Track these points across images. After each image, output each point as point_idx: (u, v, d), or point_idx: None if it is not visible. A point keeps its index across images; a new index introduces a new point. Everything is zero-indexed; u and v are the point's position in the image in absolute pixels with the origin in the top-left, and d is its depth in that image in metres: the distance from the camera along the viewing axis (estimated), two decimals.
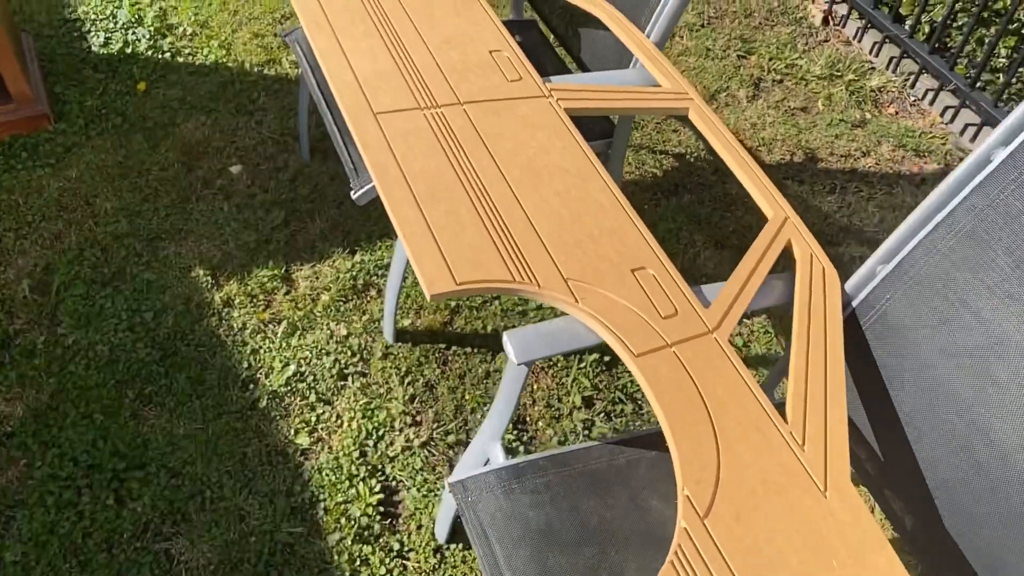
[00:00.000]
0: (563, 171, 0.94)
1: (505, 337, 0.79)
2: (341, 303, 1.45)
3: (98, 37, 1.85)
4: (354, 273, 1.49)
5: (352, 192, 1.15)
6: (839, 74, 2.17)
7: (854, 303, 0.88)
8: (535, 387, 1.39)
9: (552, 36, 1.50)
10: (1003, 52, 1.95)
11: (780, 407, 0.85)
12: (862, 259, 1.77)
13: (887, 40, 2.16)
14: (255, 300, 1.43)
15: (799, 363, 0.81)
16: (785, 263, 0.92)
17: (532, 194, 0.90)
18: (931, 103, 2.06)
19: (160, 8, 1.97)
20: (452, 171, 0.90)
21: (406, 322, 1.44)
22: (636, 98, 1.07)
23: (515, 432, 1.32)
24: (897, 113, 2.10)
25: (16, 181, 1.55)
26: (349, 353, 1.38)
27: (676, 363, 0.78)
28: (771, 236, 0.92)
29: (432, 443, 1.29)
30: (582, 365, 1.41)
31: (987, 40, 1.98)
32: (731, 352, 0.80)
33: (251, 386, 1.32)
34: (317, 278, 1.48)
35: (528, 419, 1.35)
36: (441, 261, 0.80)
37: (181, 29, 1.92)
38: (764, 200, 0.96)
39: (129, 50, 1.84)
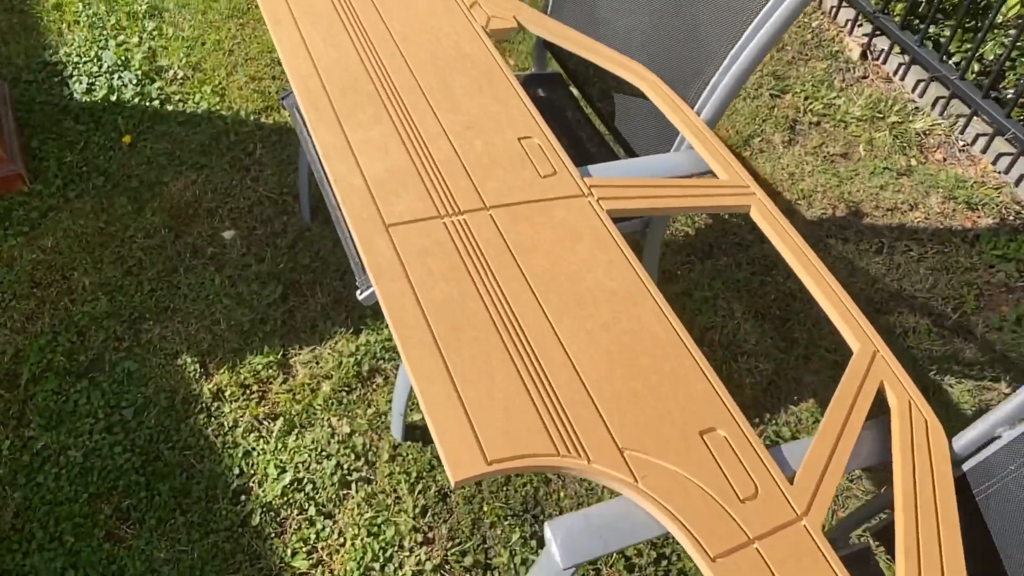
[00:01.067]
0: (610, 294, 0.79)
1: (548, 531, 0.64)
2: (344, 394, 1.30)
3: (80, 83, 1.70)
4: (358, 358, 1.34)
5: (358, 292, 1.00)
6: (881, 115, 2.01)
7: (966, 467, 0.73)
8: (562, 494, 1.23)
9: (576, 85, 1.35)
10: None
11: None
12: (915, 331, 1.63)
13: (934, 79, 2.00)
14: (248, 392, 1.28)
15: (910, 550, 0.66)
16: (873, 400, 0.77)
17: (576, 329, 0.75)
18: (983, 150, 1.91)
19: (149, 48, 1.82)
20: (479, 300, 0.75)
21: (416, 416, 1.29)
22: (689, 195, 0.91)
23: None
24: (945, 160, 1.94)
25: None
26: (352, 456, 1.23)
27: (761, 566, 0.63)
28: (859, 378, 0.76)
29: (447, 566, 1.14)
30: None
31: None
32: (826, 547, 0.65)
33: (242, 497, 1.17)
34: (317, 363, 1.33)
35: None
36: (468, 432, 0.65)
37: (171, 72, 1.78)
38: (848, 328, 0.81)
39: (114, 97, 1.69)
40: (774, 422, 1.39)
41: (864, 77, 2.15)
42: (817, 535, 0.66)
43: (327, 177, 0.84)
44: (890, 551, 0.73)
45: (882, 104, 2.04)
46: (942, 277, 1.67)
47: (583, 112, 1.35)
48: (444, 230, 0.81)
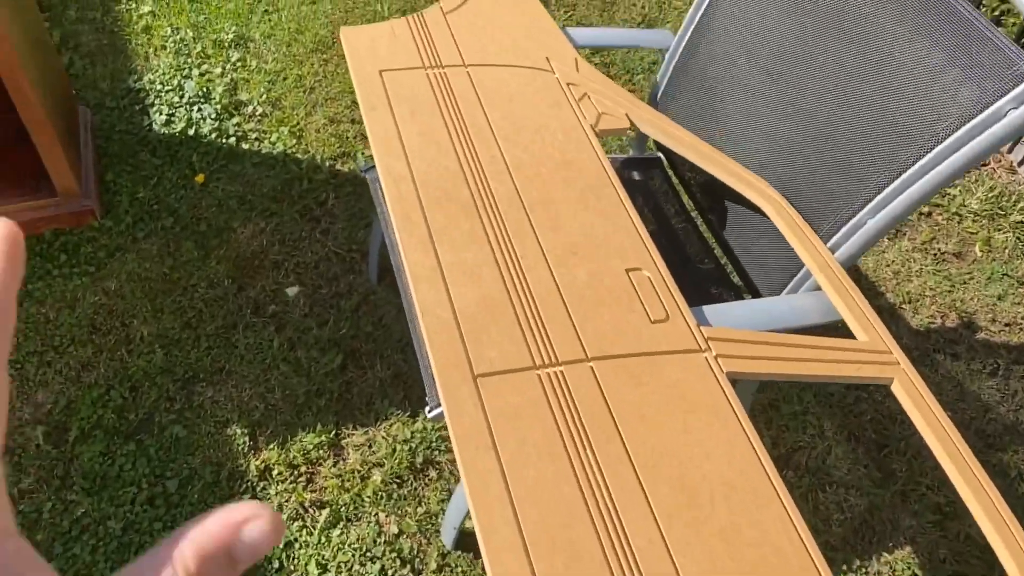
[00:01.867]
0: (729, 489, 0.67)
1: None
2: (395, 487, 1.21)
3: (161, 113, 1.68)
4: (413, 446, 1.25)
5: (428, 410, 0.91)
6: (1003, 212, 1.81)
7: None
8: None
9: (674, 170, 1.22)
10: None
11: None
12: None
13: None
14: (296, 472, 1.21)
15: None
16: None
17: (690, 536, 0.63)
18: None
19: (231, 80, 1.79)
20: (575, 485, 0.65)
21: (469, 523, 1.19)
22: (823, 359, 0.79)
23: None
24: None
25: (50, 291, 1.38)
26: (399, 561, 1.14)
27: None
28: None
29: None
30: None
31: None
32: None
33: None
34: (370, 448, 1.25)
35: None
36: None
37: (251, 108, 1.74)
38: (1002, 544, 0.67)
39: (192, 131, 1.66)
40: (864, 570, 1.23)
41: (985, 165, 1.95)
42: None
43: (416, 311, 0.75)
44: None
45: (1004, 199, 1.84)
46: None
47: (684, 208, 1.23)
48: (539, 385, 0.71)
